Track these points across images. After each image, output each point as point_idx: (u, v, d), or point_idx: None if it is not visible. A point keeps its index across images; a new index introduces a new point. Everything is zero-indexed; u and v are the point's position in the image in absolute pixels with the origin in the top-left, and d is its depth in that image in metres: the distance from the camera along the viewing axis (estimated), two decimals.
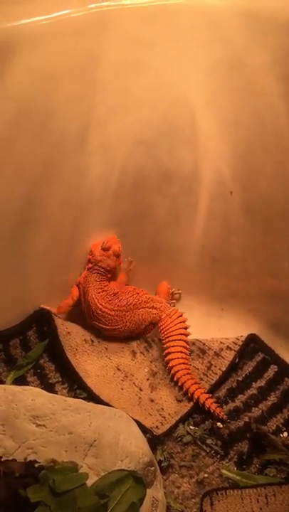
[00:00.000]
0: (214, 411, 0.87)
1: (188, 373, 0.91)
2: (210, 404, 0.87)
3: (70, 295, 1.01)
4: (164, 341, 0.96)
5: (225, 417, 0.87)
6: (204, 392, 0.89)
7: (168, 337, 0.96)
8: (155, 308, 0.99)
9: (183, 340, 0.95)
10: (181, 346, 0.94)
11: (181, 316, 0.98)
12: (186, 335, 0.96)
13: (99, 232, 1.01)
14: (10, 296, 0.98)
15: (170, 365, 0.93)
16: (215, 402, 0.88)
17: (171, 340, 0.95)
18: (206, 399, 0.88)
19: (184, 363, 0.92)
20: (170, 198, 1.00)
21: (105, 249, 0.98)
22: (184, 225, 1.02)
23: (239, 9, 0.88)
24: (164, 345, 0.95)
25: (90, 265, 0.99)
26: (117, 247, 0.99)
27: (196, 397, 0.88)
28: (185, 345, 0.95)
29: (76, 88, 0.89)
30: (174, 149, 0.96)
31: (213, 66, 0.90)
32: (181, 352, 0.94)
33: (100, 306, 0.97)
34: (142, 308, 0.98)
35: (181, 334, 0.96)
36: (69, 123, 0.91)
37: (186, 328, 0.97)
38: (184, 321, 0.97)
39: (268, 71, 0.88)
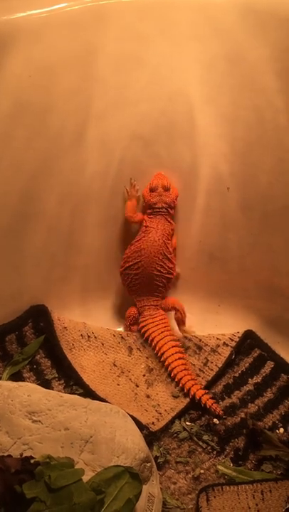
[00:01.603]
0: (210, 407, 0.87)
1: (185, 369, 0.91)
2: (206, 400, 0.87)
3: (135, 212, 0.99)
4: (153, 343, 0.95)
5: (221, 412, 0.87)
6: (200, 388, 0.89)
7: (153, 338, 0.95)
8: (147, 300, 1.00)
9: (170, 335, 0.95)
10: (170, 341, 0.94)
11: (163, 319, 0.98)
12: (169, 331, 0.96)
13: (97, 228, 1.01)
14: (6, 291, 0.97)
15: (168, 362, 0.92)
16: (211, 398, 0.88)
17: (161, 339, 0.95)
18: (202, 395, 0.88)
19: (180, 358, 0.92)
20: None
21: (154, 190, 0.96)
22: (182, 221, 1.01)
23: (238, 3, 0.87)
24: (157, 348, 0.94)
25: (149, 211, 0.98)
26: (164, 181, 0.96)
27: (192, 393, 0.88)
28: (175, 340, 0.95)
29: (74, 82, 0.88)
30: (172, 144, 0.96)
31: (211, 61, 0.89)
32: (174, 346, 0.94)
33: (155, 253, 0.96)
34: (149, 288, 0.99)
35: (165, 331, 0.96)
36: (67, 117, 0.90)
37: (165, 326, 0.97)
38: (165, 324, 0.97)
39: (267, 66, 0.87)
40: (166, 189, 0.96)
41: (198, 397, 0.87)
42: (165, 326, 0.97)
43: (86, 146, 0.94)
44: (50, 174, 0.93)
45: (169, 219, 0.98)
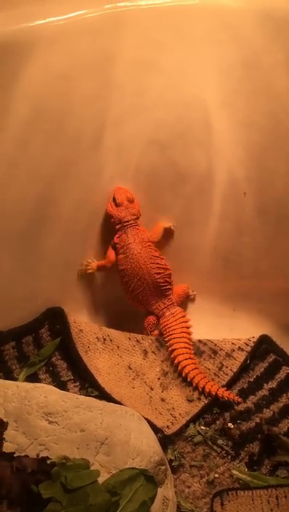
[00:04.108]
0: (228, 397, 0.87)
1: (196, 368, 0.92)
2: (222, 392, 0.88)
3: (106, 259, 1.00)
4: (166, 338, 0.97)
5: (239, 399, 0.88)
6: (214, 385, 0.90)
7: (170, 334, 0.97)
8: (163, 303, 1.00)
9: (186, 337, 0.96)
10: (184, 343, 0.95)
11: (184, 316, 0.99)
12: (189, 333, 0.97)
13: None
14: (23, 293, 0.98)
15: (177, 360, 0.93)
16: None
17: (174, 338, 0.96)
18: (218, 389, 0.88)
19: (190, 358, 0.93)
20: (183, 198, 1.00)
21: (120, 204, 0.97)
22: (197, 225, 1.02)
23: (255, 10, 0.88)
24: (168, 343, 0.96)
25: (118, 226, 0.98)
26: (128, 194, 0.97)
27: (207, 390, 0.89)
28: (188, 341, 0.96)
29: (91, 88, 0.89)
30: (188, 150, 0.96)
31: (228, 67, 0.90)
32: (186, 347, 0.94)
33: (146, 263, 0.97)
34: (158, 293, 0.99)
35: (183, 332, 0.97)
36: (84, 123, 0.91)
37: (188, 328, 0.98)
38: (186, 321, 0.99)
39: (284, 72, 0.88)
40: (131, 201, 0.98)
41: (213, 392, 0.88)
42: (186, 327, 0.98)
43: (103, 151, 0.95)
44: (67, 179, 0.94)
45: (138, 228, 0.99)
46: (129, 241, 0.98)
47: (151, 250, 0.99)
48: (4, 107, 0.84)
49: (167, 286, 1.00)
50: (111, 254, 1.00)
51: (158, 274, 0.98)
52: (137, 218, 0.99)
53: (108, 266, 1.00)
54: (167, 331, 0.97)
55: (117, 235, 0.99)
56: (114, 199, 0.97)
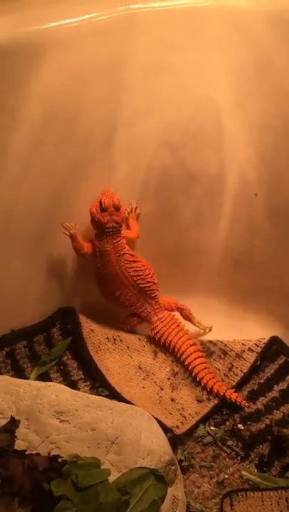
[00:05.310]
0: (235, 400, 0.88)
1: (206, 368, 0.92)
2: (230, 394, 0.88)
3: (83, 246, 0.96)
4: (172, 346, 0.95)
5: (246, 404, 0.88)
6: (222, 385, 0.90)
7: (170, 341, 0.95)
8: (150, 306, 0.99)
9: (186, 334, 0.96)
10: (189, 340, 0.95)
11: (172, 318, 0.98)
12: (183, 329, 0.97)
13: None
14: (35, 293, 0.99)
15: (188, 361, 0.93)
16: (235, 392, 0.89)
17: (178, 339, 0.95)
18: (226, 390, 0.89)
19: (200, 357, 0.93)
20: (194, 199, 1.00)
21: (105, 209, 0.92)
22: (208, 226, 1.02)
23: (266, 11, 0.88)
24: (176, 350, 0.95)
25: (98, 230, 0.95)
26: (115, 200, 0.92)
27: (215, 390, 0.89)
28: (192, 339, 0.95)
29: (103, 89, 0.90)
30: (199, 151, 0.96)
31: (240, 68, 0.90)
32: (193, 345, 0.95)
33: (121, 268, 0.95)
34: (142, 294, 0.98)
35: (180, 331, 0.96)
36: (96, 124, 0.92)
37: (178, 325, 0.97)
38: (178, 324, 0.97)
39: None
40: (117, 208, 0.93)
41: (221, 393, 0.88)
42: (178, 325, 0.97)
43: (114, 152, 0.95)
44: (78, 179, 0.95)
45: (118, 235, 0.95)
46: (107, 247, 0.94)
47: (127, 256, 0.96)
48: (18, 107, 0.85)
49: (151, 287, 0.98)
50: (88, 246, 0.97)
51: (137, 276, 0.96)
52: (120, 227, 0.95)
53: (84, 250, 0.96)
54: (163, 338, 0.96)
55: (97, 237, 0.96)
56: (100, 202, 0.92)
